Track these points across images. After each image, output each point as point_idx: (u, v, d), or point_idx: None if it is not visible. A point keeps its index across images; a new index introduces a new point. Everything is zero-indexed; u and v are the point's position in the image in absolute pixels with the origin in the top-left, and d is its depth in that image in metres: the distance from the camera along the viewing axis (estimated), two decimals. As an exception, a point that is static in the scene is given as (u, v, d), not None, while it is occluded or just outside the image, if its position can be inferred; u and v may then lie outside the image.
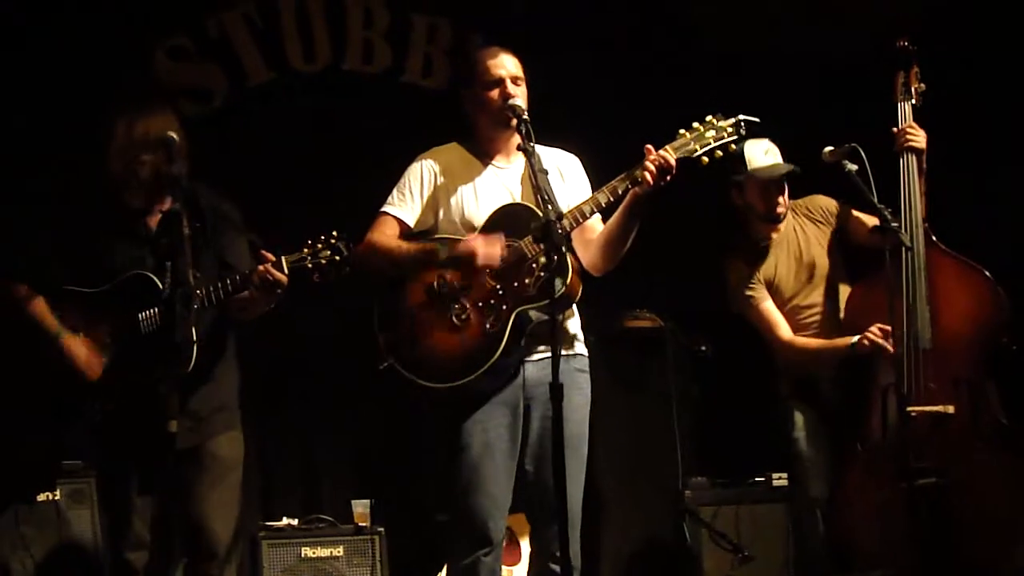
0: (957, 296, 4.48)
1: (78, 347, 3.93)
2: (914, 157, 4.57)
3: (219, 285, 3.83)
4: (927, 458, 4.28)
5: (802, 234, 4.84)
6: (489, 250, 3.76)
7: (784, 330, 4.80)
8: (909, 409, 4.36)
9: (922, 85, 4.69)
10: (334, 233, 3.81)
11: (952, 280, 4.50)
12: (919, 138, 4.58)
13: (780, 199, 4.78)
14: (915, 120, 4.64)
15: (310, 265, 3.78)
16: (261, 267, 3.77)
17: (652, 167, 3.70)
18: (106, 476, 4.13)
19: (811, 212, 4.87)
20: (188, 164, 3.78)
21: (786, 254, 4.81)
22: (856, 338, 4.56)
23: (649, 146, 3.75)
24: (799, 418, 4.80)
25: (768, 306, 4.82)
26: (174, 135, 3.72)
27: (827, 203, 4.85)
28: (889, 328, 4.43)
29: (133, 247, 3.96)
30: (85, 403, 3.90)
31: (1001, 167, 5.61)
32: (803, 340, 4.78)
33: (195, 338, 3.60)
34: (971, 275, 4.50)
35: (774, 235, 4.86)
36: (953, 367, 4.42)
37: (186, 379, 3.67)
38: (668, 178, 3.73)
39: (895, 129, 4.62)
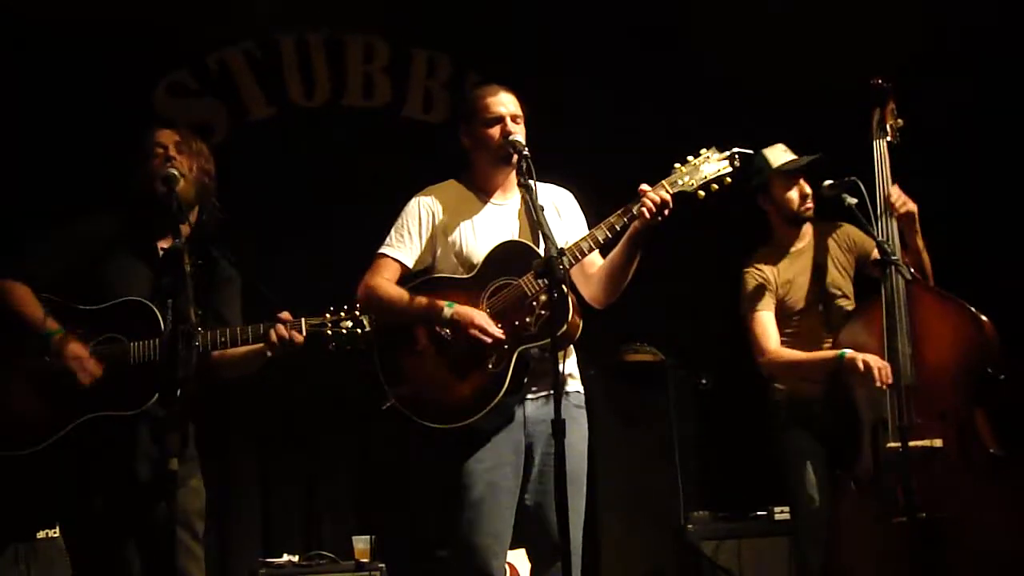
0: (939, 331, 4.46)
1: (78, 347, 3.71)
2: (905, 221, 4.57)
3: (227, 332, 3.78)
4: (918, 493, 4.25)
5: (826, 255, 4.82)
6: (488, 328, 3.71)
7: (773, 342, 4.77)
8: (890, 445, 4.34)
9: (899, 121, 4.70)
10: (357, 308, 3.81)
11: (933, 315, 4.48)
12: (911, 205, 4.57)
13: (806, 192, 4.74)
14: (891, 155, 4.63)
15: (329, 332, 3.78)
16: (279, 326, 3.73)
17: (650, 204, 3.70)
18: (67, 512, 3.85)
19: (838, 238, 4.85)
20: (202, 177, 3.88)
21: (805, 268, 4.77)
22: (847, 351, 4.53)
23: (644, 186, 3.76)
24: (796, 447, 4.77)
25: (766, 316, 4.79)
26: (176, 172, 3.71)
27: (856, 233, 4.81)
28: (885, 368, 4.41)
29: (140, 271, 3.85)
30: (77, 405, 3.70)
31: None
32: (789, 351, 4.76)
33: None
34: (951, 309, 4.47)
35: (798, 243, 4.83)
36: (939, 401, 4.40)
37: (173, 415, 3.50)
38: (666, 213, 3.73)
39: (889, 200, 4.57)
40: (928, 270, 4.65)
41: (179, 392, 3.37)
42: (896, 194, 4.56)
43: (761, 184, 4.83)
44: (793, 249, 4.84)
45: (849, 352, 4.52)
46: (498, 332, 3.73)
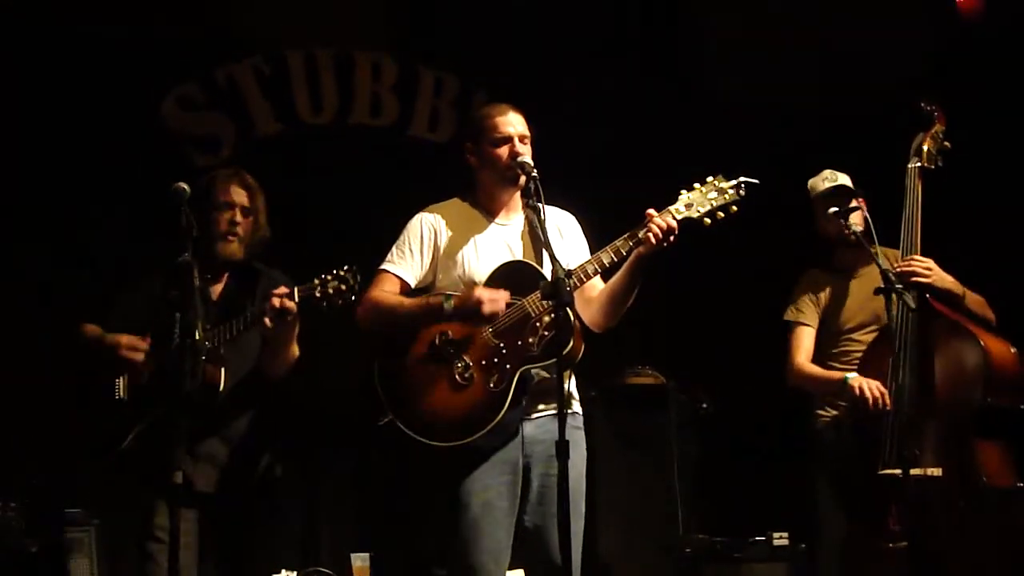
0: (945, 360, 4.44)
1: (123, 337, 4.07)
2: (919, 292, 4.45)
3: (231, 324, 3.96)
4: (916, 521, 4.25)
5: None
6: (493, 306, 3.77)
7: (801, 356, 4.78)
8: (883, 472, 4.34)
9: (946, 144, 4.64)
10: (344, 266, 3.91)
11: (942, 344, 4.46)
12: (923, 276, 4.47)
13: (844, 218, 4.71)
14: (923, 180, 4.60)
15: (318, 294, 3.87)
16: (273, 297, 3.87)
17: (656, 230, 3.71)
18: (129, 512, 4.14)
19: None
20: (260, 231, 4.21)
21: (866, 288, 4.75)
22: (852, 375, 4.54)
23: (651, 211, 3.77)
24: (823, 475, 4.77)
25: (802, 331, 4.81)
26: (185, 187, 3.74)
27: None
28: (886, 396, 4.41)
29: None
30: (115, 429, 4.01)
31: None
32: (809, 366, 4.77)
33: (221, 385, 3.90)
34: (959, 338, 4.46)
35: (859, 267, 4.80)
36: (939, 430, 4.40)
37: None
38: (672, 239, 3.74)
39: (899, 265, 4.51)
40: (986, 316, 4.58)
41: (184, 404, 3.47)
42: (911, 264, 4.48)
43: (812, 212, 4.82)
44: (855, 272, 4.82)
45: (852, 377, 4.53)
46: (502, 295, 3.75)
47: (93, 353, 4.13)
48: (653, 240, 3.71)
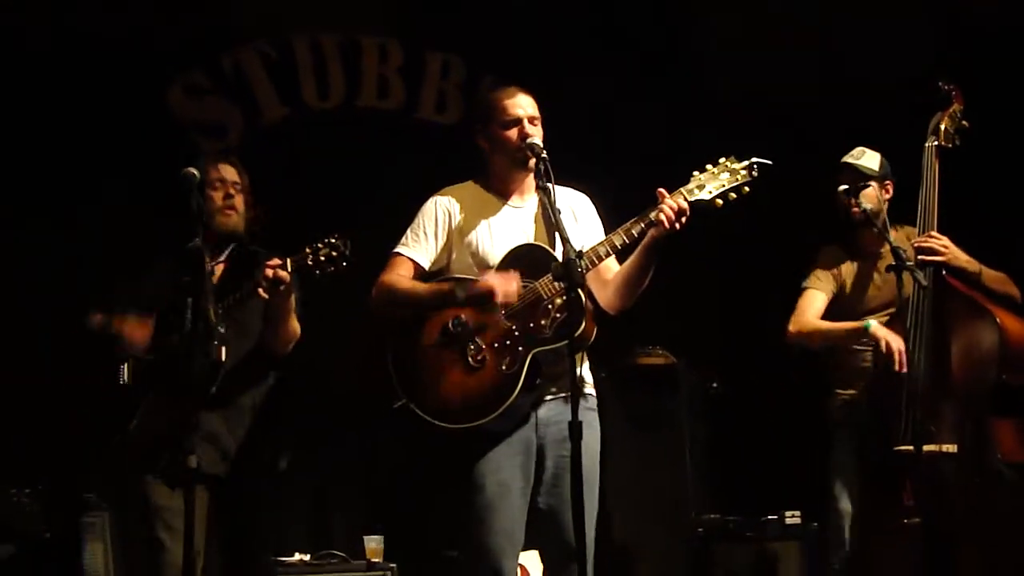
0: (960, 337, 4.44)
1: (127, 321, 4.18)
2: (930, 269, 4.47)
3: (229, 298, 4.05)
4: (931, 497, 4.25)
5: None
6: (507, 287, 3.77)
7: (807, 316, 4.78)
8: (899, 448, 4.34)
9: (964, 123, 4.64)
10: (336, 234, 3.98)
11: (958, 321, 4.46)
12: (939, 253, 4.48)
13: (853, 196, 4.68)
14: (940, 159, 4.58)
15: (310, 262, 3.95)
16: (267, 268, 3.95)
17: (669, 211, 3.71)
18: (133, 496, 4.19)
19: None
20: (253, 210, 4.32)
21: (876, 272, 4.74)
22: (874, 322, 4.53)
23: (661, 190, 3.76)
24: (840, 455, 4.77)
25: (815, 294, 4.81)
26: (195, 172, 3.75)
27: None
28: (903, 356, 4.40)
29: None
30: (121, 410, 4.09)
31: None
32: (819, 321, 4.77)
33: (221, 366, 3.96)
34: (975, 315, 4.45)
35: (882, 251, 4.76)
36: (955, 407, 4.40)
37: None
38: (684, 220, 3.73)
39: (915, 241, 4.53)
40: (1011, 293, 4.58)
41: (198, 390, 3.51)
42: (927, 241, 4.49)
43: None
44: (875, 255, 4.81)
45: (875, 324, 4.53)
46: (516, 285, 3.75)
47: (100, 340, 4.20)
48: (665, 221, 3.70)
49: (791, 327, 4.80)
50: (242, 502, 4.15)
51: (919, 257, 4.46)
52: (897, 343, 4.45)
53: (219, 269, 4.25)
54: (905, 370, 4.37)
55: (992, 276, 4.58)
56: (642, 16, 6.41)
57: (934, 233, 4.51)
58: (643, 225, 3.75)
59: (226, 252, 4.30)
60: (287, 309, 4.15)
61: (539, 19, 6.24)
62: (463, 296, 3.80)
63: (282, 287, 3.98)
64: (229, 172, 4.35)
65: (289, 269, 3.96)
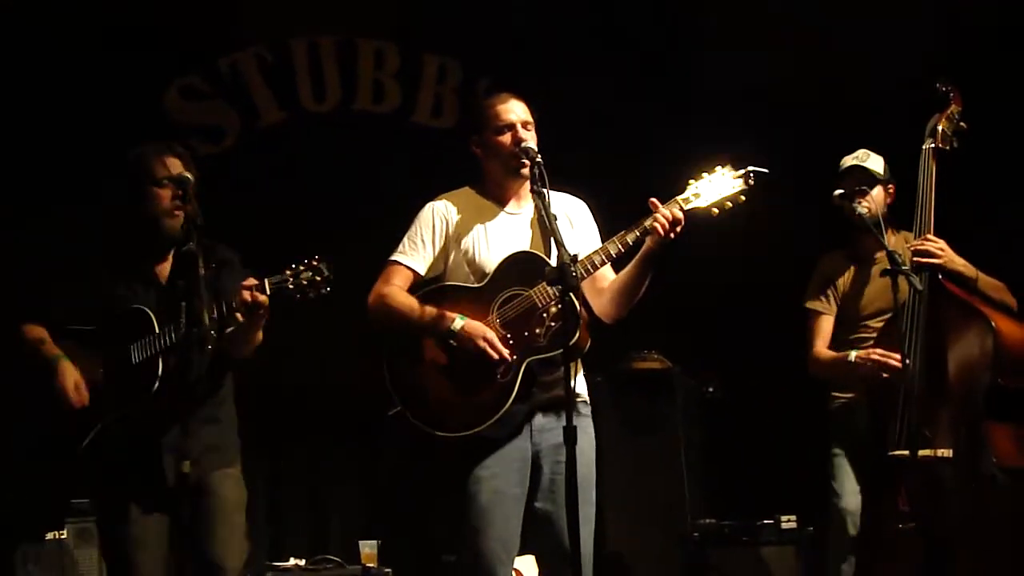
0: (955, 341, 4.43)
1: (69, 372, 3.90)
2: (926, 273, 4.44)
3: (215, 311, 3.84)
4: (927, 502, 4.25)
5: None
6: (494, 345, 3.71)
7: (820, 344, 4.79)
8: (894, 453, 4.34)
9: (962, 125, 4.60)
10: (316, 256, 3.85)
11: (952, 325, 4.44)
12: (935, 255, 4.45)
13: (849, 200, 4.64)
14: (937, 162, 4.56)
15: (291, 286, 3.81)
16: (243, 290, 3.78)
17: (664, 220, 3.70)
18: (104, 512, 4.04)
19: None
20: (200, 206, 3.84)
21: (877, 275, 4.73)
22: (854, 352, 4.54)
23: (654, 200, 3.76)
24: (839, 458, 4.77)
25: (821, 320, 4.81)
26: (190, 175, 3.75)
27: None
28: (894, 356, 4.40)
29: (139, 291, 3.98)
30: (75, 429, 3.88)
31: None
32: (825, 353, 4.77)
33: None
34: (969, 318, 4.44)
35: (878, 255, 4.72)
36: (950, 411, 4.39)
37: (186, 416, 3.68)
38: (679, 230, 3.72)
39: (911, 244, 4.51)
40: (1006, 300, 4.56)
41: (191, 395, 3.47)
42: (923, 244, 4.46)
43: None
44: (873, 259, 4.78)
45: (855, 354, 4.53)
46: (505, 351, 3.73)
47: (32, 361, 3.97)
48: (660, 231, 3.70)
49: (810, 357, 4.82)
50: (205, 512, 3.91)
51: (915, 259, 4.45)
52: (878, 354, 4.45)
53: (164, 270, 4.02)
54: (899, 367, 4.36)
55: (989, 283, 4.57)
56: (641, 17, 6.41)
57: (930, 236, 4.50)
58: (638, 234, 3.75)
59: (171, 252, 4.01)
60: (259, 326, 3.93)
61: (536, 23, 6.25)
62: (459, 329, 3.74)
63: (261, 311, 3.81)
64: (176, 167, 3.93)
65: (268, 292, 3.79)
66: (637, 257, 3.81)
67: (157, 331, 3.83)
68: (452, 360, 3.80)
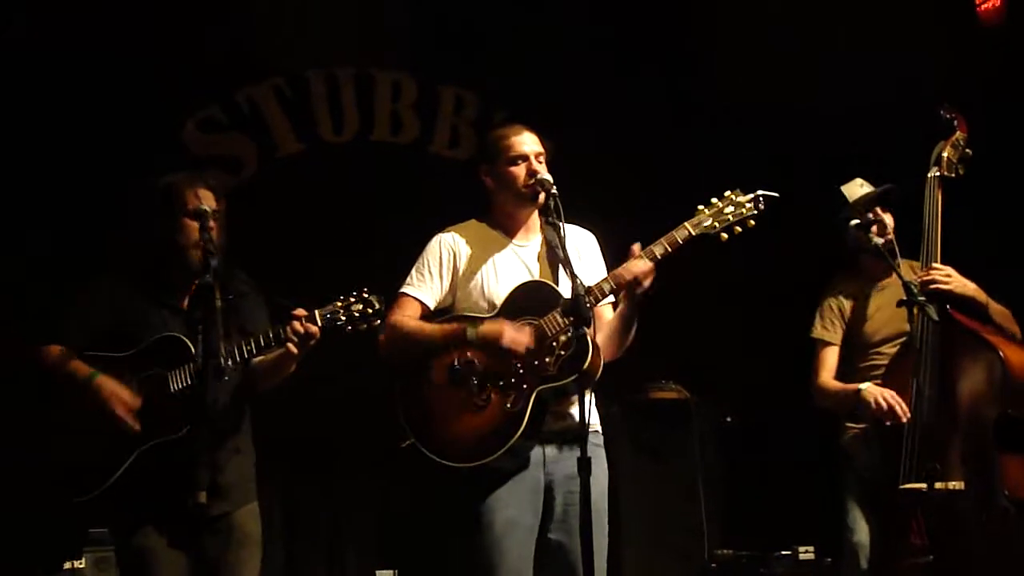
0: (966, 373, 4.40)
1: (114, 387, 3.86)
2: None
3: (250, 341, 3.86)
4: (940, 535, 4.22)
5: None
6: (516, 335, 3.76)
7: (825, 374, 4.76)
8: (905, 487, 4.31)
9: (968, 152, 4.58)
10: (365, 288, 3.89)
11: (964, 357, 4.42)
12: (943, 283, 4.42)
13: (884, 223, 4.67)
14: (943, 189, 4.54)
15: (343, 318, 3.85)
16: (295, 321, 3.81)
17: (625, 277, 3.71)
18: (127, 542, 3.96)
19: None
20: (226, 237, 3.94)
21: (892, 300, 4.68)
22: (866, 386, 4.52)
23: (634, 247, 3.76)
24: (851, 489, 4.75)
25: (827, 351, 4.78)
26: (206, 208, 3.78)
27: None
28: (903, 404, 4.38)
29: (168, 319, 3.97)
30: (131, 438, 3.83)
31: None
32: (830, 383, 4.74)
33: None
34: (980, 350, 4.42)
35: (888, 280, 4.74)
36: (961, 443, 4.36)
37: (211, 450, 3.72)
38: (645, 284, 3.71)
39: (919, 275, 4.47)
40: (1011, 329, 4.53)
41: (208, 422, 3.48)
42: (930, 273, 4.44)
43: (843, 220, 4.76)
44: (882, 283, 4.78)
45: (865, 388, 4.51)
46: (527, 338, 3.74)
47: (56, 382, 3.92)
48: (627, 278, 3.71)
49: (815, 387, 4.79)
50: (235, 544, 3.95)
51: (927, 288, 4.43)
52: (890, 398, 4.42)
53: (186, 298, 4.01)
54: (903, 420, 4.35)
55: (997, 310, 4.55)
56: (656, 50, 6.44)
57: (937, 265, 4.49)
58: (613, 284, 3.75)
59: (194, 283, 3.89)
60: (299, 358, 3.91)
61: (551, 55, 6.28)
62: (474, 336, 3.80)
63: (312, 342, 3.84)
64: (208, 199, 3.93)
65: (319, 323, 3.83)
66: (616, 312, 3.85)
67: (195, 358, 3.78)
68: (462, 391, 3.80)
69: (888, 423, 4.39)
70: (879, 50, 5.91)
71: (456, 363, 3.82)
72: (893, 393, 4.42)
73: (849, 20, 6.03)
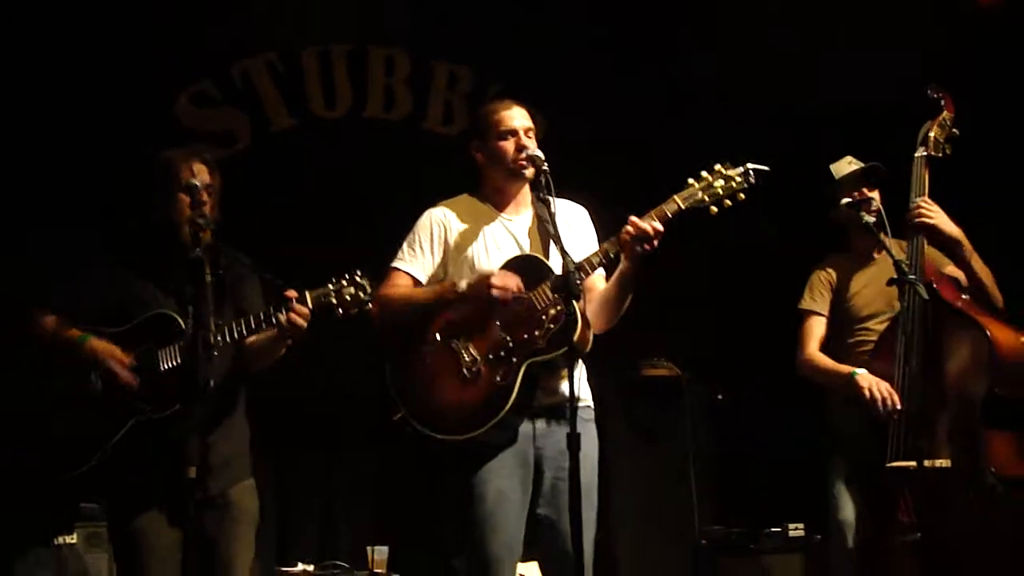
0: (954, 351, 4.40)
1: (106, 343, 3.86)
2: (922, 235, 4.43)
3: (241, 322, 3.85)
4: (926, 513, 4.23)
5: None
6: (504, 280, 3.77)
7: (812, 346, 4.77)
8: (892, 465, 4.32)
9: (955, 131, 4.57)
10: (357, 271, 3.88)
11: (951, 335, 4.42)
12: (928, 215, 4.44)
13: (870, 200, 4.64)
14: (929, 169, 4.54)
15: (334, 300, 3.84)
16: (286, 306, 3.79)
17: (626, 236, 3.70)
18: (119, 519, 3.97)
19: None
20: (219, 212, 3.90)
21: (882, 276, 4.70)
22: (860, 372, 4.53)
23: (632, 218, 3.73)
24: (838, 468, 4.76)
25: (814, 320, 4.79)
26: (196, 182, 3.77)
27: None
28: (895, 396, 4.39)
29: (160, 296, 3.96)
30: (122, 412, 3.82)
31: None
32: (819, 356, 4.76)
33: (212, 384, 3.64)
34: (967, 328, 4.41)
35: (876, 255, 4.77)
36: (948, 422, 4.37)
37: (204, 427, 3.71)
38: (647, 247, 3.71)
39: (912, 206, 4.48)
40: (992, 294, 4.53)
41: (199, 398, 3.47)
42: (918, 205, 4.46)
43: (831, 197, 4.77)
44: (872, 258, 4.79)
45: (860, 374, 4.51)
46: (515, 281, 3.74)
47: (47, 349, 3.91)
48: (626, 247, 3.70)
49: (799, 359, 4.80)
50: (230, 521, 3.94)
51: (915, 222, 4.41)
52: (883, 390, 4.42)
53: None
54: (895, 415, 4.35)
55: (980, 267, 4.54)
56: (650, 23, 6.42)
57: (926, 199, 4.47)
58: (619, 248, 3.75)
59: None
60: (292, 338, 3.90)
61: (545, 29, 6.26)
62: (463, 287, 3.79)
63: (304, 324, 3.81)
64: (202, 173, 3.92)
65: (310, 305, 3.82)
66: (614, 275, 3.83)
67: (185, 334, 3.76)
68: (451, 364, 3.81)
69: (879, 411, 4.40)
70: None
71: (440, 333, 3.83)
72: (888, 385, 4.43)
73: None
